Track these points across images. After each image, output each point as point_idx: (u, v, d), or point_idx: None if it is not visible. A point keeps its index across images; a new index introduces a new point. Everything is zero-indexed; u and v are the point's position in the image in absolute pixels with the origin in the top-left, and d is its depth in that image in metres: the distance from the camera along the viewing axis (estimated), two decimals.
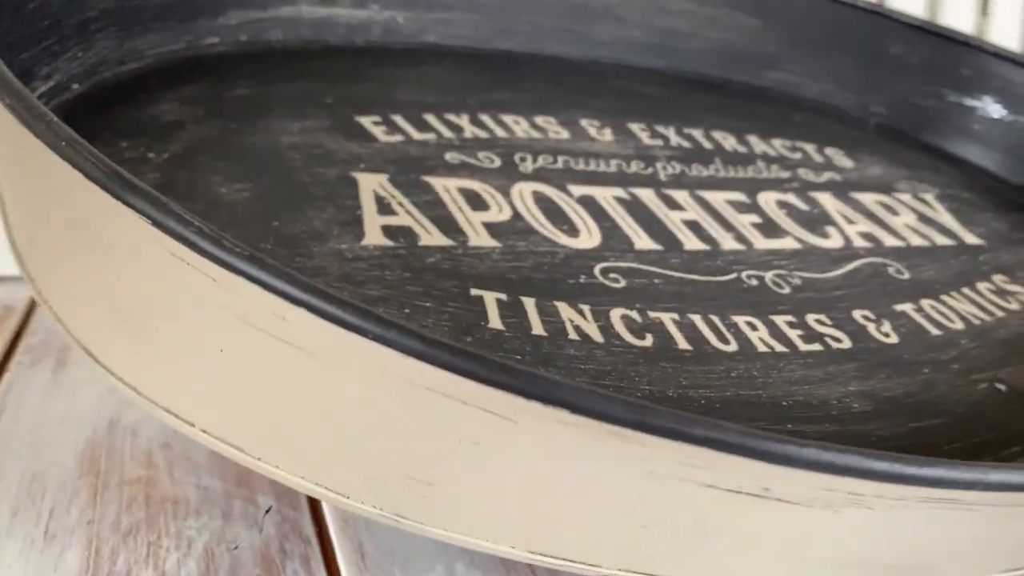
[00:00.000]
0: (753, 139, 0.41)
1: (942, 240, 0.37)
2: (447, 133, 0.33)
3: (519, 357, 0.24)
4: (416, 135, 0.32)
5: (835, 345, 0.29)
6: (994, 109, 0.46)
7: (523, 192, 0.31)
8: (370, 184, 0.29)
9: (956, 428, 0.27)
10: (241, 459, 0.19)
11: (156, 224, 0.16)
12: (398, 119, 0.33)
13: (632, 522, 0.18)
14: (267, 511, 0.25)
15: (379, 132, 0.32)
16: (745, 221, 0.34)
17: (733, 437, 0.16)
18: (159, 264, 0.17)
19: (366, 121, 0.32)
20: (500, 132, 0.35)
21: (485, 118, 0.35)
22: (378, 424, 0.17)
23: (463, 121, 0.34)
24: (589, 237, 0.30)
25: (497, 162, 0.32)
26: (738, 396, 0.25)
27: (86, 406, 0.30)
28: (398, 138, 0.32)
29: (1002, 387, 0.29)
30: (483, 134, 0.34)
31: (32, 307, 0.38)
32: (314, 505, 0.26)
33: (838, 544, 0.19)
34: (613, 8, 0.44)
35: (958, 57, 0.46)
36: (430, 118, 0.34)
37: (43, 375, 0.33)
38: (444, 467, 0.17)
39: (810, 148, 0.42)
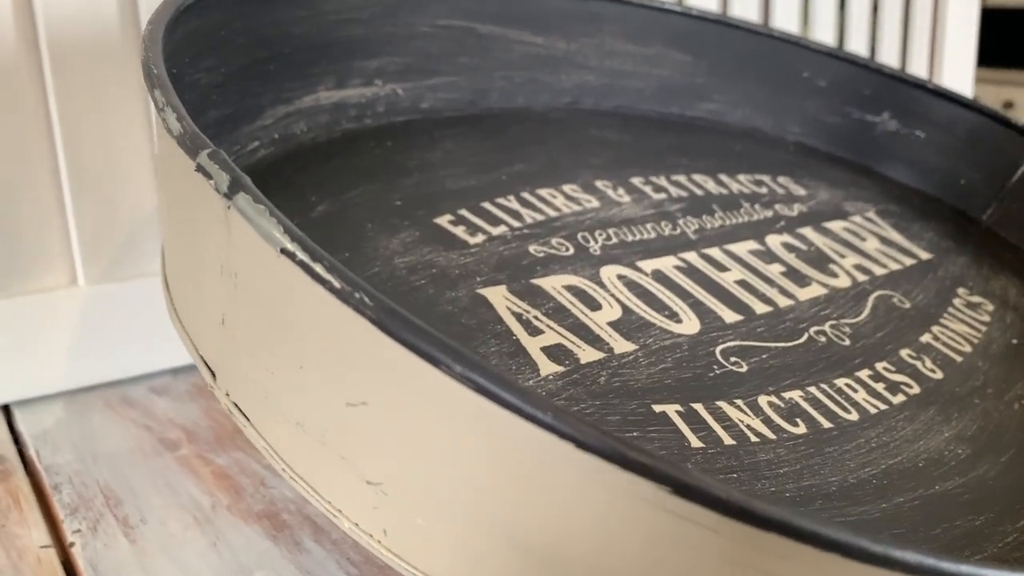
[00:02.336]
0: (724, 178, 0.44)
1: (908, 260, 0.42)
2: (512, 222, 0.33)
3: (735, 475, 0.25)
4: (492, 230, 0.32)
5: (911, 392, 0.32)
6: (891, 124, 0.52)
7: (612, 279, 0.32)
8: (500, 302, 0.28)
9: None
10: None
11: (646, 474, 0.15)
12: (466, 214, 0.32)
13: None
14: None
15: (463, 234, 0.31)
16: (776, 272, 0.37)
17: None
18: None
19: (443, 222, 0.31)
20: (549, 210, 0.35)
21: (528, 197, 0.35)
22: None
23: (514, 203, 0.34)
24: (690, 321, 0.31)
25: (571, 248, 0.33)
26: (891, 468, 0.28)
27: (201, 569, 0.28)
28: (481, 238, 0.31)
29: None
30: (538, 216, 0.34)
31: (25, 452, 0.34)
32: None
33: None
34: (571, 55, 0.45)
35: (859, 78, 0.51)
36: (488, 207, 0.33)
37: (118, 543, 0.29)
38: None
39: (767, 179, 0.45)
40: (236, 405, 0.19)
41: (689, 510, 0.15)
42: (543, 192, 0.36)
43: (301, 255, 0.15)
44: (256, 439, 0.19)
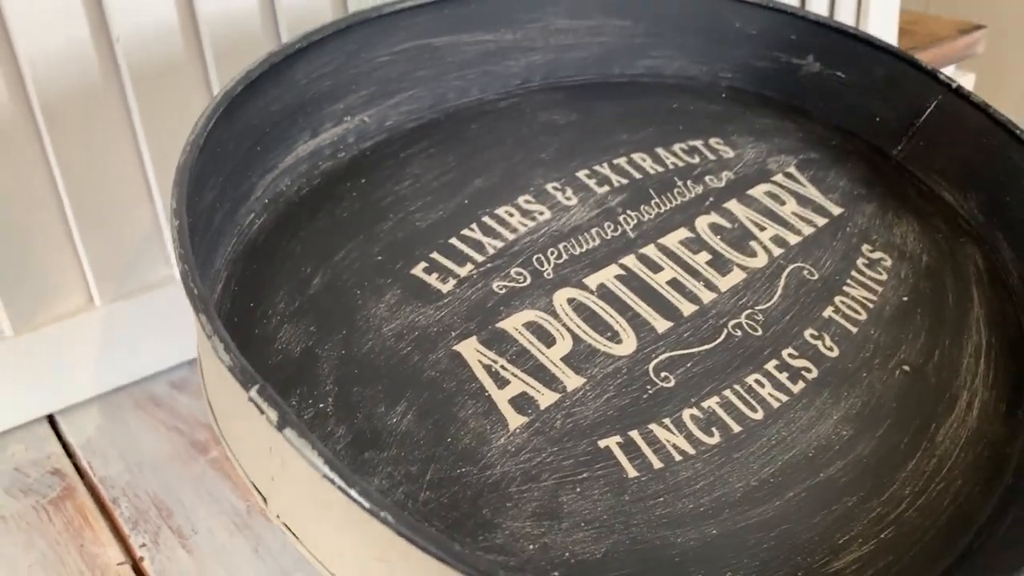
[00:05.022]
0: (661, 152, 0.49)
1: (820, 220, 0.48)
2: (476, 256, 0.39)
3: (662, 499, 0.32)
4: (460, 270, 0.38)
5: (809, 376, 0.40)
6: (815, 66, 0.56)
7: (563, 306, 0.38)
8: (472, 356, 0.34)
9: (900, 425, 0.39)
10: None
11: None
12: (437, 258, 0.38)
13: None
14: None
15: (436, 282, 0.37)
16: (701, 262, 0.43)
17: None
18: None
19: (419, 272, 0.37)
20: (507, 233, 0.40)
21: (489, 222, 0.40)
22: None
23: (477, 233, 0.40)
24: (628, 337, 0.38)
25: (527, 277, 0.39)
26: (787, 463, 0.35)
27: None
28: (452, 284, 0.37)
29: (907, 368, 0.42)
30: (498, 243, 0.40)
31: (79, 464, 0.41)
32: None
33: None
34: (519, 42, 0.49)
35: (786, 25, 0.55)
36: (455, 242, 0.39)
37: (178, 556, 0.37)
38: None
39: (699, 144, 0.50)
40: (286, 525, 0.26)
41: None
42: (500, 212, 0.41)
43: (339, 482, 0.21)
44: (301, 549, 0.26)
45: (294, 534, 0.26)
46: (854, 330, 0.43)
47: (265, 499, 0.27)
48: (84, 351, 0.43)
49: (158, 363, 0.46)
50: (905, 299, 0.45)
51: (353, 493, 0.21)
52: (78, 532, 0.37)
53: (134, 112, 0.41)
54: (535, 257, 0.40)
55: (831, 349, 0.41)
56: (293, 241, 0.36)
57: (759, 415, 0.37)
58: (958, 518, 0.36)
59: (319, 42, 0.37)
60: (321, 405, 0.31)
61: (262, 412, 0.22)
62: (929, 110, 0.55)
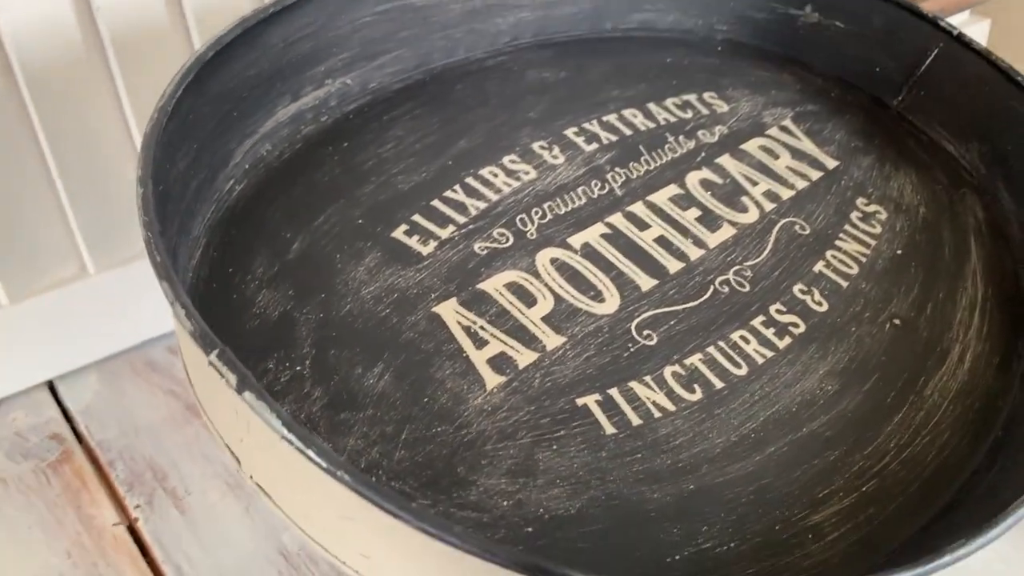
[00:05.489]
0: (653, 107, 0.48)
1: (814, 174, 0.48)
2: (459, 217, 0.39)
3: (639, 455, 0.32)
4: (441, 232, 0.38)
5: (797, 332, 0.39)
6: (813, 16, 0.55)
7: (545, 266, 0.38)
8: (451, 317, 0.35)
9: (888, 380, 0.38)
10: None
11: None
12: (419, 220, 0.38)
13: None
14: None
15: (416, 245, 0.37)
16: (691, 218, 0.43)
17: None
18: None
19: (400, 235, 0.37)
20: (490, 194, 0.40)
21: (472, 183, 0.40)
22: None
23: (460, 195, 0.40)
24: (611, 296, 0.38)
25: (510, 238, 0.39)
26: (768, 419, 0.35)
27: (245, 537, 0.36)
28: (432, 246, 0.37)
29: (897, 322, 0.42)
30: (481, 204, 0.40)
31: (77, 428, 0.42)
32: None
33: None
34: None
35: None
36: (437, 204, 0.39)
37: (171, 516, 0.37)
38: None
39: (693, 99, 0.50)
40: (259, 485, 0.27)
41: None
42: (484, 172, 0.41)
43: (297, 443, 0.22)
44: (273, 508, 0.27)
45: (267, 494, 0.27)
46: (844, 284, 0.42)
47: (239, 461, 0.27)
48: (80, 318, 0.44)
49: (154, 328, 0.46)
50: (899, 252, 0.45)
51: (311, 453, 0.22)
52: (76, 494, 0.38)
53: (118, 79, 0.41)
54: (518, 217, 0.40)
55: (820, 304, 0.41)
56: (273, 206, 0.36)
57: (743, 371, 0.37)
58: (943, 470, 0.36)
59: (295, 5, 0.37)
60: (298, 368, 0.31)
61: (222, 376, 0.23)
62: (930, 58, 0.53)
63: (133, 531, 0.36)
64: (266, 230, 0.35)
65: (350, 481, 0.22)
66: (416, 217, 0.38)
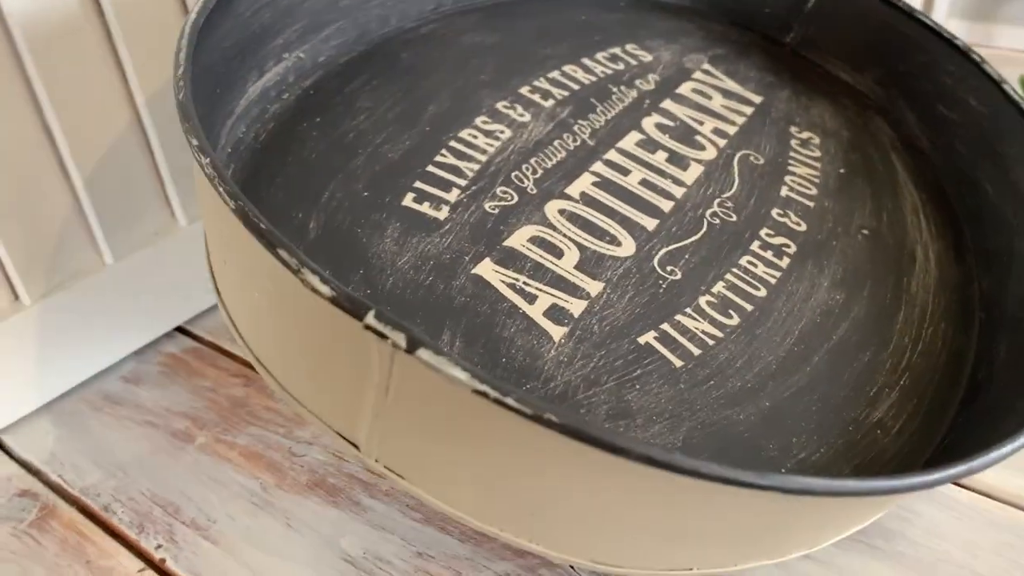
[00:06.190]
0: (587, 62, 0.48)
1: (747, 109, 0.49)
2: (457, 180, 0.37)
3: (712, 382, 0.32)
4: (447, 196, 0.36)
5: (790, 251, 0.40)
6: None
7: (556, 217, 0.37)
8: (493, 277, 0.33)
9: (879, 283, 0.40)
10: None
11: None
12: (422, 186, 0.36)
13: None
14: None
15: (430, 210, 0.35)
16: (661, 160, 0.43)
17: None
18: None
19: (410, 203, 0.35)
20: (478, 155, 0.39)
21: (457, 146, 0.39)
22: None
23: (450, 158, 0.38)
24: (625, 239, 0.37)
25: (515, 195, 0.37)
26: (802, 331, 0.36)
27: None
28: (445, 210, 0.35)
29: (866, 231, 0.44)
30: (473, 165, 0.38)
31: (49, 480, 0.37)
32: None
33: None
34: None
35: None
36: (433, 169, 0.37)
37: (203, 548, 0.33)
38: None
39: (618, 51, 0.50)
40: (388, 467, 0.24)
41: None
42: (464, 135, 0.39)
43: (494, 393, 0.20)
44: (408, 488, 0.24)
45: (398, 474, 0.24)
46: (811, 204, 0.44)
47: (357, 447, 0.24)
48: (16, 358, 0.38)
49: (103, 358, 0.41)
50: (842, 171, 0.47)
51: (510, 401, 0.20)
52: (78, 549, 0.33)
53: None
54: (513, 174, 0.38)
55: (798, 224, 0.42)
56: (272, 188, 0.33)
57: (763, 292, 0.37)
58: (953, 356, 0.38)
59: None
60: None
61: (386, 337, 0.20)
62: None
63: (164, 572, 0.32)
64: (275, 214, 0.32)
65: (558, 424, 0.20)
66: (418, 184, 0.36)
